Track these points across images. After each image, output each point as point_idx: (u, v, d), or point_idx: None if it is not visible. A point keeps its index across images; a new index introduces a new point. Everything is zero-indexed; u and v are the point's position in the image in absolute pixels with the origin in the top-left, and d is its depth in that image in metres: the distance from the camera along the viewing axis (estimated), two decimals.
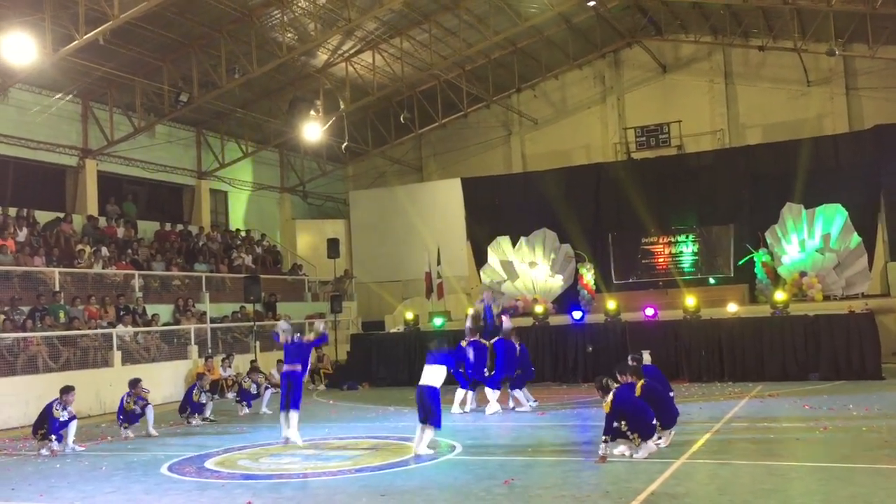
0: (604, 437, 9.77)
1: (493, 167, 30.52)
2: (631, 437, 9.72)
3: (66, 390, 12.74)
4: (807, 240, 24.45)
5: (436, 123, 29.32)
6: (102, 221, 22.94)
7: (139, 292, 21.31)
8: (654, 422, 9.97)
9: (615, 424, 9.72)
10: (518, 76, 28.76)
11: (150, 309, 20.89)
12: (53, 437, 12.37)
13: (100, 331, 18.66)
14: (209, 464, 10.98)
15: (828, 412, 12.76)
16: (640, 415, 9.85)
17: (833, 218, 24.24)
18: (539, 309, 21.88)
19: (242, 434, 13.68)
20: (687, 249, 26.92)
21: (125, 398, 14.07)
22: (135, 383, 14.12)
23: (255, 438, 13.08)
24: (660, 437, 10.21)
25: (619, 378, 10.64)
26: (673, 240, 27.07)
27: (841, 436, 10.70)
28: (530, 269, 27.43)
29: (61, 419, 12.47)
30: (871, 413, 12.48)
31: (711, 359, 18.06)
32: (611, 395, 9.87)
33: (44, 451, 12.30)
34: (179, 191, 27.03)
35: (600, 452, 9.68)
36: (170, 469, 10.67)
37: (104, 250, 21.49)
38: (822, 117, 26.95)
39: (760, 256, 24.43)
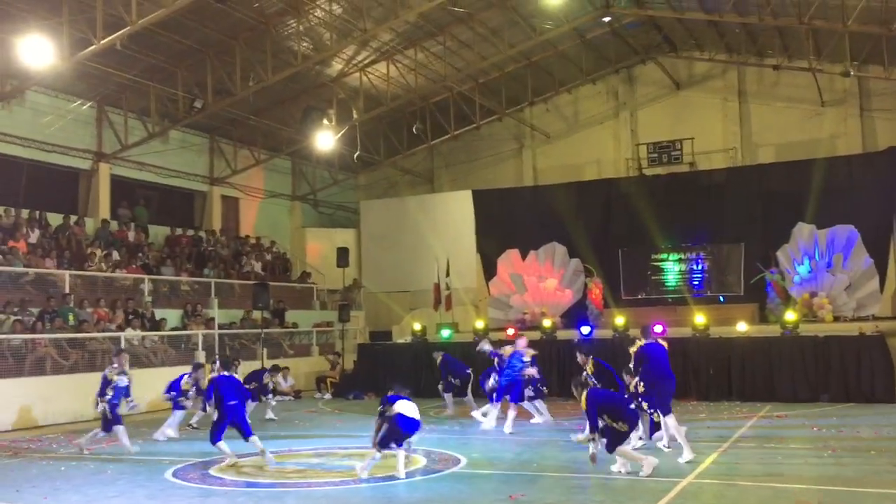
0: (591, 436, 9.80)
1: (504, 180, 30.51)
2: (618, 425, 9.76)
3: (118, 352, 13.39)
4: (818, 260, 24.36)
5: (448, 135, 29.34)
6: (114, 225, 23.04)
7: (148, 296, 21.37)
8: (633, 406, 10.12)
9: (600, 422, 9.77)
10: (531, 90, 28.77)
11: (159, 313, 20.94)
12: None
13: (108, 334, 18.71)
14: (214, 470, 10.97)
15: (836, 434, 12.67)
16: (617, 404, 10.01)
17: (845, 239, 24.16)
18: (547, 323, 21.83)
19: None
20: (697, 267, 26.85)
21: (186, 377, 14.57)
22: (198, 367, 14.79)
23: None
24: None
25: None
26: (683, 257, 27.01)
27: (849, 459, 10.62)
28: (539, 282, 27.41)
29: (121, 384, 12.66)
30: (880, 436, 12.38)
31: (720, 378, 17.95)
32: (584, 393, 10.02)
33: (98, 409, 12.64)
34: (191, 196, 27.12)
35: (590, 451, 9.73)
36: (174, 475, 10.67)
37: (115, 254, 21.58)
38: (836, 138, 26.83)
39: (771, 276, 24.34)
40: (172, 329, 20.90)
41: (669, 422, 11.03)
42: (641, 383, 11.15)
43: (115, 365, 13.01)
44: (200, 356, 20.48)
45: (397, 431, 10.11)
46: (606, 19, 25.61)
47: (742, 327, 19.58)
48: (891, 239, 24.48)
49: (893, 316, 23.36)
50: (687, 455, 10.56)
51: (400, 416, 10.15)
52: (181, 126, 24.40)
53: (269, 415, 16.65)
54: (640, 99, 29.63)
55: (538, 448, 12.33)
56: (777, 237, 25.07)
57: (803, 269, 24.52)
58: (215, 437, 11.45)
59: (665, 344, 11.68)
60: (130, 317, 19.77)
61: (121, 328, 19.17)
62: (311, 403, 20.01)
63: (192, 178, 26.33)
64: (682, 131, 28.17)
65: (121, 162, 23.61)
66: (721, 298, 25.71)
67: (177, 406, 14.66)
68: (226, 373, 12.04)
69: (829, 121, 27.01)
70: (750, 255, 25.58)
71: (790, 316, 19.21)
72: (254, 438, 11.40)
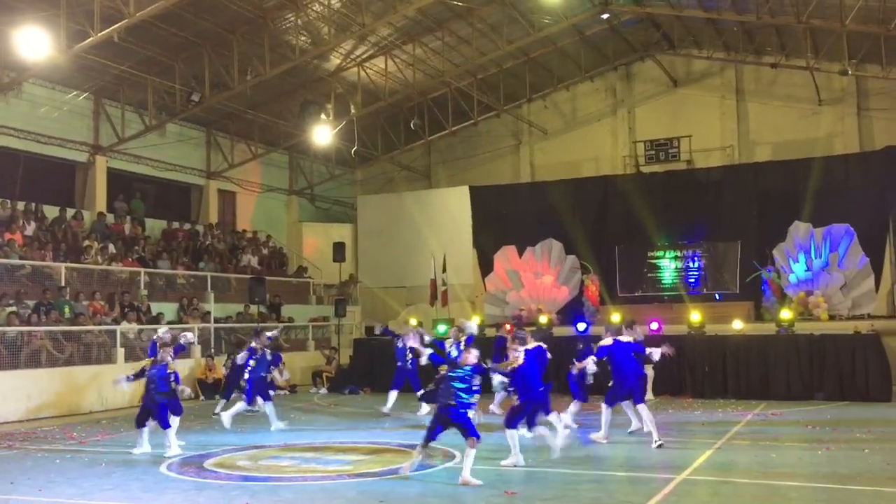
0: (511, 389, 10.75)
1: (501, 176, 30.50)
2: (514, 397, 10.57)
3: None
4: (814, 259, 24.41)
5: (446, 131, 29.31)
6: (110, 218, 23.00)
7: (144, 290, 21.34)
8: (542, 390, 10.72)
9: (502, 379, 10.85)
10: (529, 86, 28.75)
11: (155, 307, 20.92)
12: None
13: (104, 327, 18.68)
14: (208, 464, 10.97)
15: (831, 433, 12.70)
16: (532, 378, 10.62)
17: (841, 238, 24.20)
18: (543, 319, 21.85)
19: (243, 434, 13.67)
20: (693, 265, 26.87)
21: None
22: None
23: (256, 440, 13.07)
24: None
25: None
26: (679, 254, 27.02)
27: (843, 457, 10.65)
28: (536, 279, 27.43)
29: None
30: (873, 435, 12.41)
31: (715, 375, 17.99)
32: (522, 350, 10.69)
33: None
34: (188, 190, 27.09)
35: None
36: (169, 468, 10.67)
37: (111, 247, 21.54)
38: (833, 137, 26.85)
39: (768, 274, 24.38)
40: (169, 323, 20.86)
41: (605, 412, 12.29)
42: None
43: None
44: (196, 350, 20.50)
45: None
46: (605, 16, 25.56)
47: (738, 325, 19.61)
48: (887, 238, 24.51)
49: (889, 315, 23.41)
50: (599, 435, 12.09)
51: None
52: (178, 119, 24.33)
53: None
54: (637, 96, 29.61)
55: (533, 443, 12.33)
56: (773, 235, 25.09)
57: (799, 268, 24.56)
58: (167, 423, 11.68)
59: (631, 339, 12.57)
60: (126, 310, 19.75)
61: (116, 321, 19.15)
62: (306, 398, 20.01)
63: (189, 172, 26.28)
64: (680, 129, 28.18)
65: (117, 155, 23.57)
66: (717, 296, 25.74)
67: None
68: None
69: (826, 120, 27.03)
70: (746, 254, 25.58)
71: (785, 314, 19.25)
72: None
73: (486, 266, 28.42)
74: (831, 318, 23.09)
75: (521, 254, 27.90)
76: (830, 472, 9.75)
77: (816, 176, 24.42)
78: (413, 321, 22.19)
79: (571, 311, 25.48)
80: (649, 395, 17.55)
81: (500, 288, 27.83)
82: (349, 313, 26.33)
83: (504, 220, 28.58)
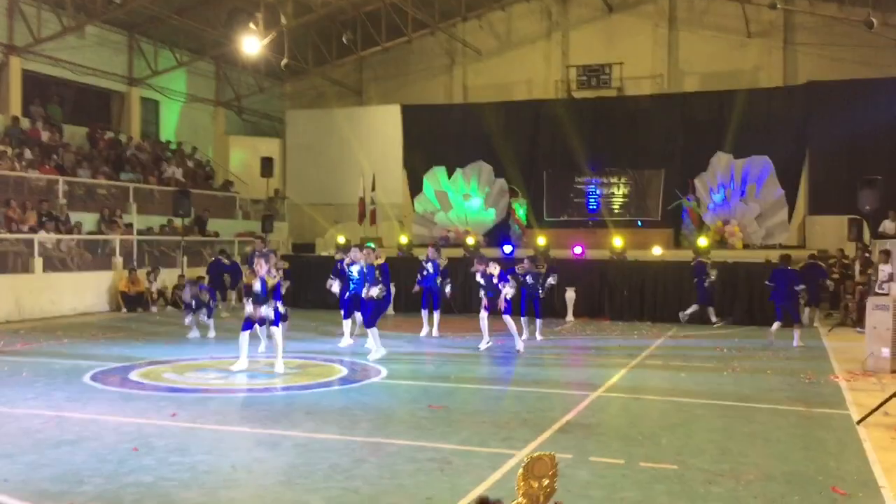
0: None
1: (433, 96, 30.29)
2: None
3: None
4: (733, 189, 25.21)
5: (379, 47, 28.80)
6: (25, 123, 22.06)
7: (63, 199, 20.71)
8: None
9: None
10: (465, 4, 28.36)
11: (74, 216, 20.37)
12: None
13: (21, 235, 18.16)
14: (133, 375, 10.96)
15: (737, 355, 13.41)
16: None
17: (759, 170, 25.02)
18: (470, 241, 22.16)
19: (165, 347, 13.65)
20: (618, 191, 27.45)
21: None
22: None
23: (181, 353, 13.08)
24: None
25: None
26: (605, 181, 27.55)
27: (746, 377, 11.30)
28: (464, 200, 27.63)
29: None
30: (776, 357, 13.16)
31: (633, 299, 18.63)
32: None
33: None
34: (108, 96, 26.09)
35: None
36: (93, 378, 10.63)
37: (28, 153, 20.74)
38: (759, 69, 27.43)
39: (688, 203, 25.13)
40: (89, 233, 20.40)
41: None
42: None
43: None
44: (117, 262, 20.15)
45: None
46: None
47: (657, 251, 20.25)
48: (802, 172, 25.45)
49: (799, 245, 24.49)
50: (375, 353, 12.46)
51: None
52: (98, 21, 23.26)
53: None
54: (572, 20, 29.52)
55: (457, 361, 12.70)
56: (696, 165, 25.78)
57: (718, 198, 25.37)
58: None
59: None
60: (44, 219, 19.18)
61: (33, 230, 18.62)
62: (234, 313, 19.93)
63: (110, 78, 25.27)
64: (613, 55, 28.33)
65: (34, 56, 22.47)
66: (639, 223, 26.46)
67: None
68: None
69: (753, 52, 27.53)
70: (669, 182, 26.27)
71: (702, 242, 19.95)
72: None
73: (415, 186, 28.45)
74: (745, 246, 24.06)
75: (450, 175, 28.00)
76: (734, 391, 10.35)
77: (740, 108, 25.06)
78: (341, 239, 22.24)
79: (498, 234, 25.88)
80: (569, 317, 18.17)
81: (429, 208, 27.96)
82: (277, 229, 26.14)
83: (435, 140, 28.53)
